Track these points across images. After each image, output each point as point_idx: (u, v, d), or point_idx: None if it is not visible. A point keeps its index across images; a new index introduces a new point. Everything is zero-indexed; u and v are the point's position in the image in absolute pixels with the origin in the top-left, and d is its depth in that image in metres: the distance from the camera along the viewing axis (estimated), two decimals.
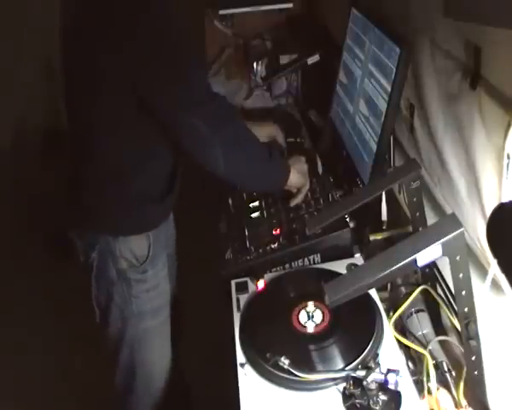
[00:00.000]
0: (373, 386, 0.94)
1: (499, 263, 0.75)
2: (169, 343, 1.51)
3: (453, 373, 0.99)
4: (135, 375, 1.48)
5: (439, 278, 1.14)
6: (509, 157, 0.86)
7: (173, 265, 1.62)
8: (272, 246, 1.38)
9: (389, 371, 0.94)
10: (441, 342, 1.07)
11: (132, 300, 1.38)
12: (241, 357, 1.07)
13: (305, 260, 1.35)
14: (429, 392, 0.95)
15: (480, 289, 0.87)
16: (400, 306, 1.11)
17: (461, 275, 0.82)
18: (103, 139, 1.28)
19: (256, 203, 1.55)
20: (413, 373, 1.01)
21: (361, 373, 0.95)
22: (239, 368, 1.05)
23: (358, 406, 0.94)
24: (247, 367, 1.04)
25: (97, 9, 1.15)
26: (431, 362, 0.97)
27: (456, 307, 0.93)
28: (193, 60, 1.20)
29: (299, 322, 1.10)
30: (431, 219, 1.16)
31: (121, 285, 1.37)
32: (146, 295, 1.39)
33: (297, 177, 1.41)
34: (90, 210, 1.36)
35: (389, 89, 1.29)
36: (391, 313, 1.12)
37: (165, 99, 1.18)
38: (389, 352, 1.03)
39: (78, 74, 1.24)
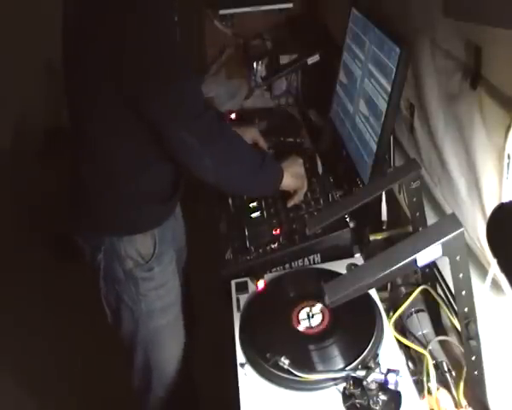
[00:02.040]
0: (373, 386, 0.94)
1: (499, 263, 0.75)
2: (182, 340, 1.51)
3: (453, 373, 0.99)
4: (151, 375, 1.49)
5: (439, 278, 1.14)
6: (509, 157, 0.86)
7: (183, 258, 1.63)
8: (272, 246, 1.38)
9: (389, 371, 0.94)
10: (441, 342, 1.07)
11: (141, 298, 1.38)
12: (241, 357, 1.07)
13: (305, 260, 1.35)
14: (429, 392, 0.95)
15: (480, 289, 0.87)
16: (400, 306, 1.11)
17: (461, 275, 0.82)
18: (105, 140, 1.28)
19: (256, 203, 1.55)
20: (413, 373, 1.01)
21: (361, 373, 0.95)
22: (239, 368, 1.05)
23: (358, 406, 0.94)
24: (247, 367, 1.04)
25: (93, 13, 1.16)
26: (431, 362, 0.97)
27: (456, 307, 0.93)
28: (185, 75, 1.20)
29: (299, 322, 1.10)
30: (431, 219, 1.16)
31: (129, 285, 1.37)
32: (154, 293, 1.39)
33: (291, 180, 1.41)
34: (94, 212, 1.37)
35: (389, 89, 1.29)
36: (391, 313, 1.12)
37: (157, 110, 1.19)
38: (389, 352, 1.03)
39: (79, 75, 1.25)
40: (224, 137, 1.26)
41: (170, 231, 1.44)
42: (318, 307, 1.12)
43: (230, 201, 1.60)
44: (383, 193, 1.27)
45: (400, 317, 1.12)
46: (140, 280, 1.37)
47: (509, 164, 0.86)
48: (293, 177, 1.42)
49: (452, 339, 1.06)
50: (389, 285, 1.21)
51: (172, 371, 1.50)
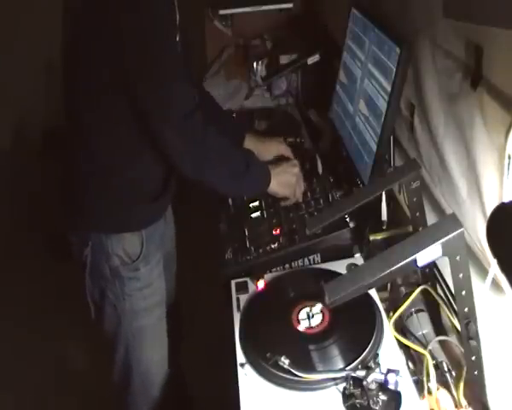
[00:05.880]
0: (373, 386, 0.94)
1: (499, 263, 0.75)
2: (165, 342, 1.51)
3: (453, 373, 0.99)
4: (131, 373, 1.48)
5: (439, 278, 1.14)
6: (509, 157, 0.86)
7: (172, 263, 1.63)
8: (272, 246, 1.38)
9: (389, 371, 0.94)
10: (441, 342, 1.07)
11: (125, 297, 1.39)
12: (241, 357, 1.07)
13: (305, 260, 1.35)
14: (429, 392, 0.95)
15: (480, 289, 0.87)
16: (400, 306, 1.11)
17: (461, 275, 0.82)
18: (96, 139, 1.30)
19: (256, 203, 1.55)
20: (413, 373, 1.01)
21: (361, 373, 0.95)
22: (239, 368, 1.05)
23: (358, 406, 0.94)
24: (247, 367, 1.04)
25: (95, 12, 1.17)
26: (431, 362, 0.97)
27: (456, 307, 0.93)
28: (178, 75, 1.22)
29: (299, 322, 1.10)
30: (431, 219, 1.16)
31: (114, 282, 1.38)
32: (139, 293, 1.40)
33: (278, 188, 1.41)
34: (83, 208, 1.38)
35: (389, 89, 1.29)
36: (391, 313, 1.12)
37: (147, 108, 1.22)
38: (389, 352, 1.03)
39: (78, 75, 1.26)
40: (207, 140, 1.27)
41: (158, 234, 1.44)
42: (318, 307, 1.12)
43: (230, 201, 1.60)
44: (383, 193, 1.27)
45: (400, 317, 1.12)
46: (126, 279, 1.37)
47: (509, 164, 0.86)
48: (280, 185, 1.41)
49: (452, 339, 1.06)
50: (389, 285, 1.20)
51: (153, 373, 1.50)
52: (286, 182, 1.43)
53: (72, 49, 1.27)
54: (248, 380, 1.03)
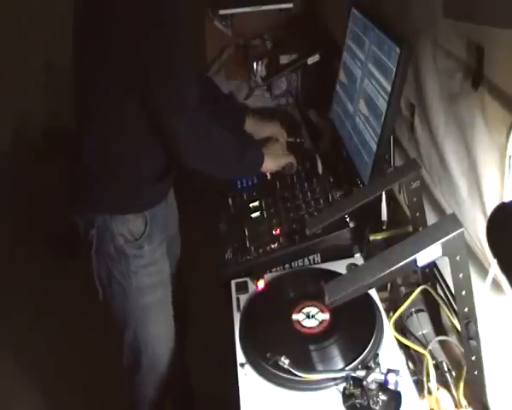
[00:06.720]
0: (373, 386, 0.94)
1: (499, 263, 0.75)
2: (171, 322, 1.54)
3: (453, 373, 0.99)
4: (140, 353, 1.51)
5: (439, 278, 1.14)
6: (511, 157, 0.86)
7: (175, 248, 1.66)
8: (272, 246, 1.38)
9: (389, 371, 0.94)
10: (441, 342, 1.07)
11: (131, 275, 1.42)
12: (241, 357, 1.07)
13: (305, 260, 1.35)
14: (429, 392, 0.95)
15: (480, 289, 0.87)
16: (400, 306, 1.11)
17: (461, 275, 0.82)
18: (104, 125, 1.34)
19: (256, 203, 1.55)
20: (413, 373, 1.01)
21: (361, 373, 0.96)
22: (239, 368, 1.05)
23: (358, 406, 0.95)
24: (247, 367, 1.04)
25: (105, 10, 1.23)
26: (431, 362, 0.97)
27: (456, 307, 0.93)
28: (187, 72, 1.28)
29: (299, 322, 1.10)
30: (431, 219, 1.15)
31: (120, 261, 1.41)
32: (144, 270, 1.43)
33: (271, 164, 1.55)
34: (88, 191, 1.42)
35: (389, 89, 1.29)
36: (391, 313, 1.12)
37: (158, 106, 1.28)
38: (389, 352, 1.03)
39: (89, 67, 1.31)
40: (212, 131, 1.36)
41: (161, 217, 1.48)
42: (318, 307, 1.12)
43: (230, 201, 1.60)
44: (383, 193, 1.27)
45: (400, 317, 1.12)
46: (130, 257, 1.41)
47: (510, 164, 0.86)
48: (274, 160, 1.56)
49: (452, 339, 1.06)
50: (389, 285, 1.20)
51: (162, 354, 1.53)
52: (275, 154, 1.58)
53: (84, 50, 1.31)
54: (248, 380, 1.03)
